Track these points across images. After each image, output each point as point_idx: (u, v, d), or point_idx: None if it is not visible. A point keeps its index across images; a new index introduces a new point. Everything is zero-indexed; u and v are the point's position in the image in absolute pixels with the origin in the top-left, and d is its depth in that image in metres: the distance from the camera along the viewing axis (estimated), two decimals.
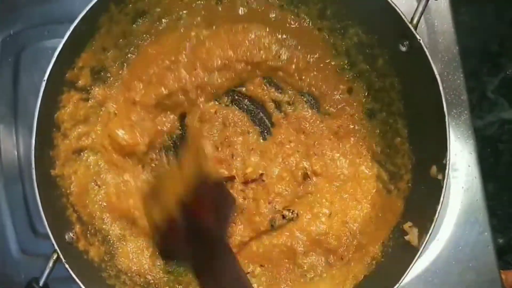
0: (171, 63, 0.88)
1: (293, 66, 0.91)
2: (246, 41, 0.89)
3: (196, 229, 0.76)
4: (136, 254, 0.87)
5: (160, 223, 0.76)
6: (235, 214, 0.87)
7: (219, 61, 0.89)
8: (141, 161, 0.90)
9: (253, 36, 0.90)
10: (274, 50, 0.90)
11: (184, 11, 0.88)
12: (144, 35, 0.88)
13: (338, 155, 0.92)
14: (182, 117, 0.93)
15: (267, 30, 0.90)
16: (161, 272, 0.87)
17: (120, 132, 0.87)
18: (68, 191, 0.82)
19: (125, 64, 0.89)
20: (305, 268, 0.88)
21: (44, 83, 0.74)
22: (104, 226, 0.86)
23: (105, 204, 0.87)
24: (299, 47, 0.91)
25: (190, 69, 0.88)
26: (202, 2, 0.88)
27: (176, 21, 0.89)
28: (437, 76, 0.73)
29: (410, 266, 0.72)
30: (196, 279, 0.76)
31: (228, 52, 0.89)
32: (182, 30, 0.89)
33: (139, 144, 0.88)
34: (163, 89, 0.88)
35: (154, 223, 0.78)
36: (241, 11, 0.89)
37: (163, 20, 0.88)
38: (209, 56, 0.89)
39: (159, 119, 0.91)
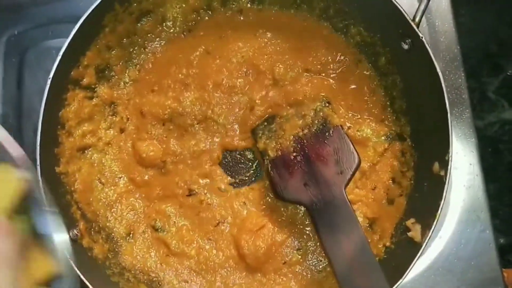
0: (185, 77, 0.89)
1: None
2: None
3: (315, 176, 0.81)
4: (141, 252, 0.88)
5: (273, 152, 0.85)
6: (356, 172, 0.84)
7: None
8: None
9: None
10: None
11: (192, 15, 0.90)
12: (149, 35, 0.89)
13: None
14: None
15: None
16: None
17: (143, 145, 0.88)
18: (72, 189, 0.82)
19: (130, 64, 0.90)
20: (310, 265, 0.89)
21: (49, 81, 0.75)
22: (108, 224, 0.87)
23: None
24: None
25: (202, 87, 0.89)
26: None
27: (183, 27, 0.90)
28: (439, 73, 0.74)
29: (413, 263, 0.73)
30: (313, 225, 0.81)
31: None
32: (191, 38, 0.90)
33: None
34: (176, 105, 0.89)
35: (266, 151, 0.86)
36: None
37: (168, 22, 0.89)
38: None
39: None
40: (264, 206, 0.90)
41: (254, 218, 0.89)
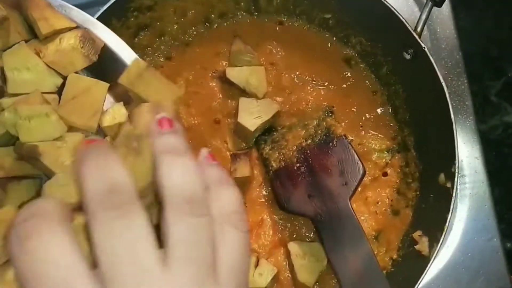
0: (187, 97, 0.86)
1: None
2: None
3: (319, 187, 0.79)
4: None
5: (277, 163, 0.83)
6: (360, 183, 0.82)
7: None
8: None
9: None
10: None
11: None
12: (147, 49, 0.88)
13: None
14: None
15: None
16: None
17: None
18: None
19: None
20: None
21: None
22: None
23: None
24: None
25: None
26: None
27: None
28: (443, 84, 0.73)
29: (422, 277, 0.71)
30: (319, 238, 0.79)
31: None
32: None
33: None
34: None
35: (269, 162, 0.84)
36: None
37: (166, 37, 0.88)
38: None
39: None
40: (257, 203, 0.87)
41: (250, 216, 0.85)
